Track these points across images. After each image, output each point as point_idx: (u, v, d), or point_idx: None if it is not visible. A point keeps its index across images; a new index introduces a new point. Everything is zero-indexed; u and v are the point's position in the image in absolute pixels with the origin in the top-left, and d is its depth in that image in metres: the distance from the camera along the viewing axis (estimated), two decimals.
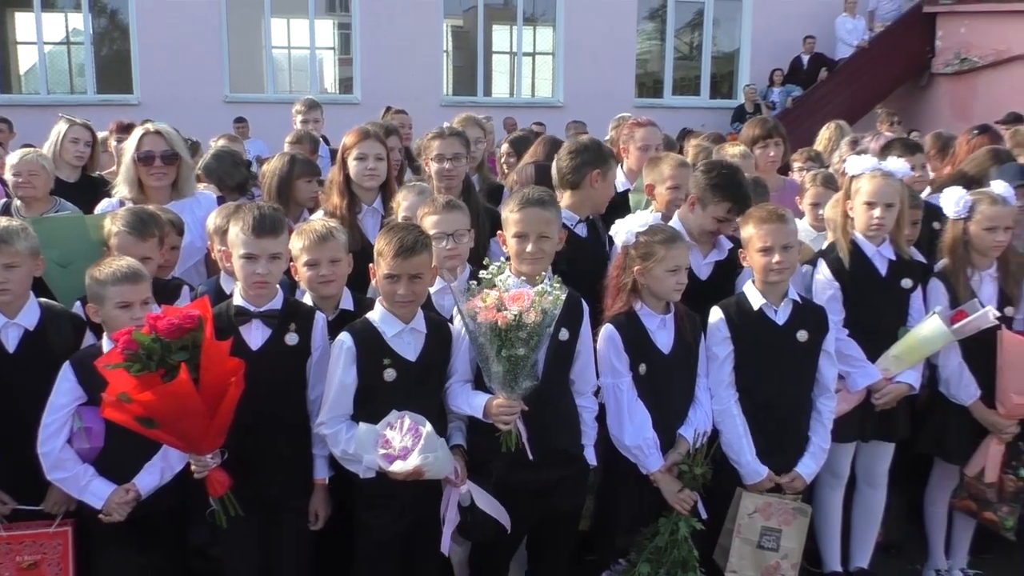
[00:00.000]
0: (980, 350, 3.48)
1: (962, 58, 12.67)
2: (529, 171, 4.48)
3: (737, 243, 3.47)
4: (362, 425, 2.67)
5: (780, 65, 13.84)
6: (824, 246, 3.70)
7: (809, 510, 3.26)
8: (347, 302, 3.11)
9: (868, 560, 3.75)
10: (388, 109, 6.18)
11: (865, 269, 3.49)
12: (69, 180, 4.92)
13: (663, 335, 3.13)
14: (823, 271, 3.50)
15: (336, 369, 2.77)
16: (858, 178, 3.47)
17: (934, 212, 3.94)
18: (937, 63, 13.17)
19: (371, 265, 2.86)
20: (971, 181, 4.18)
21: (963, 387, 3.54)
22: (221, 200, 4.01)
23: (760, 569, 3.20)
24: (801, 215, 4.20)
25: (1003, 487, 3.57)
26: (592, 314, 3.15)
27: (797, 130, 10.50)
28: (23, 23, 14.21)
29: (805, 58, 13.75)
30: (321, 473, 2.93)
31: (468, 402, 2.85)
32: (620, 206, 3.93)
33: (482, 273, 2.79)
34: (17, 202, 4.29)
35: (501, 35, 15.32)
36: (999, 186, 3.66)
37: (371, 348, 2.77)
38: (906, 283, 3.53)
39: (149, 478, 2.86)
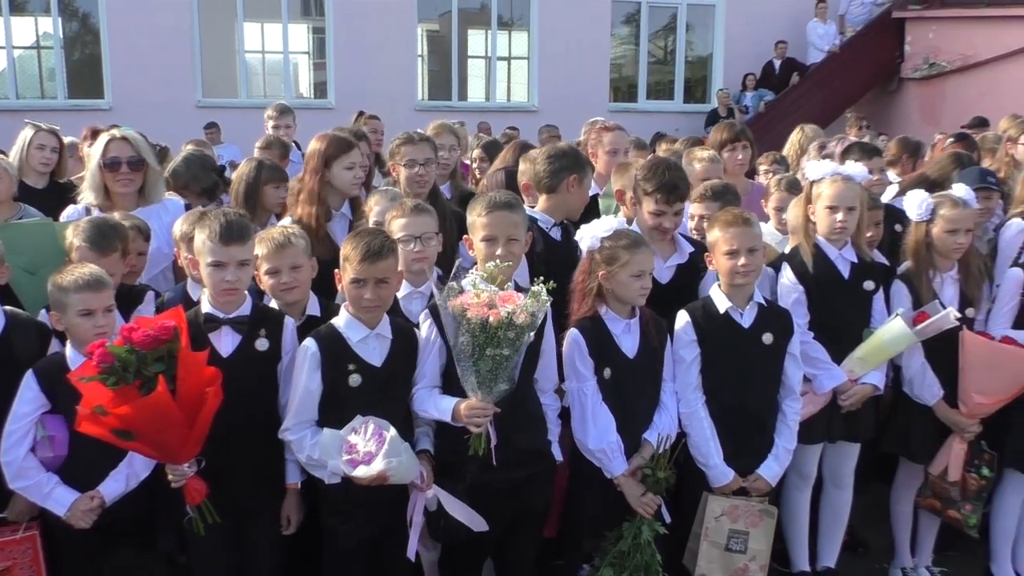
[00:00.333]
0: (942, 351, 3.54)
1: (930, 63, 12.87)
2: (499, 177, 4.50)
3: (699, 246, 3.50)
4: (326, 431, 2.67)
5: (753, 70, 13.99)
6: (787, 249, 3.74)
7: (775, 511, 3.29)
8: (314, 308, 3.11)
9: (835, 559, 3.79)
10: (361, 114, 6.17)
11: (828, 272, 3.53)
12: (37, 186, 4.86)
13: (628, 339, 3.15)
14: (787, 275, 3.54)
15: (300, 375, 2.77)
16: (818, 183, 3.52)
17: (898, 215, 4.00)
18: (906, 68, 13.37)
19: (337, 271, 2.86)
20: (933, 184, 4.25)
21: (926, 387, 3.59)
22: (189, 207, 3.98)
23: (729, 571, 3.23)
24: (767, 218, 4.25)
25: (966, 485, 3.62)
26: (559, 318, 3.17)
27: (769, 134, 10.64)
28: None
29: (777, 63, 13.90)
30: (293, 478, 2.93)
31: (436, 406, 2.85)
32: (589, 210, 3.96)
33: (469, 275, 2.78)
34: None
35: (477, 39, 15.33)
36: (960, 189, 3.72)
37: (336, 354, 2.77)
38: (868, 285, 3.59)
39: (114, 485, 2.85)
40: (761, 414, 3.31)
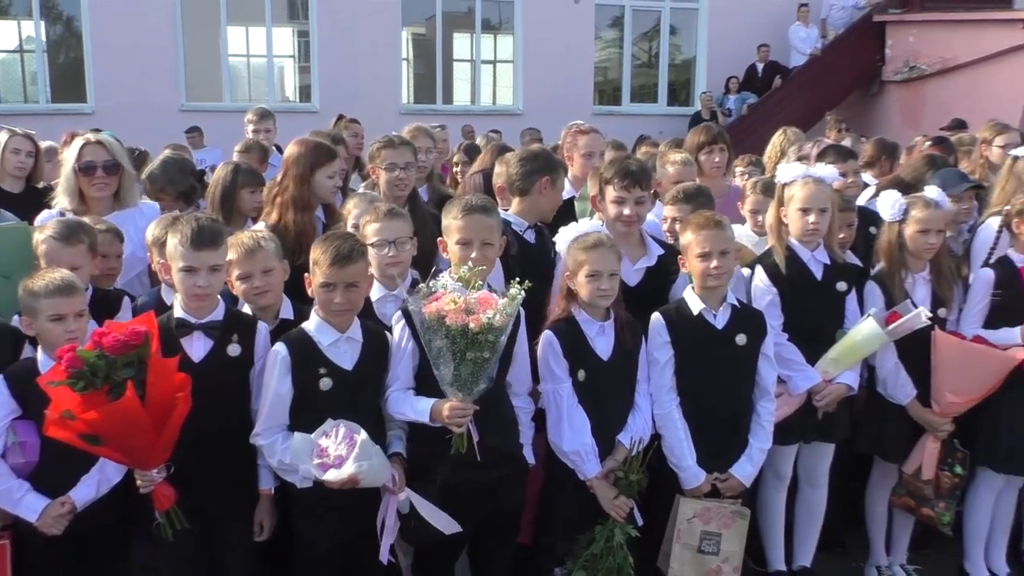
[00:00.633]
0: (915, 351, 3.58)
1: (911, 66, 12.98)
2: (477, 180, 4.52)
3: (669, 249, 3.52)
4: (297, 435, 2.68)
5: (736, 73, 14.08)
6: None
7: (748, 513, 3.30)
8: (287, 311, 3.11)
9: (811, 559, 3.81)
10: (340, 118, 6.18)
11: (801, 274, 3.56)
12: (13, 191, 4.85)
13: (602, 341, 3.16)
14: (760, 277, 3.56)
15: (271, 379, 2.77)
16: (790, 185, 3.55)
17: (873, 217, 4.04)
18: (887, 71, 13.48)
19: (306, 274, 2.87)
20: (907, 186, 4.29)
21: (899, 387, 3.63)
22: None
23: (701, 573, 3.24)
24: (744, 220, 4.28)
25: (939, 484, 3.66)
26: (535, 320, 3.18)
27: (752, 137, 10.69)
28: None
29: (760, 66, 13.99)
30: (266, 483, 2.92)
31: (413, 408, 2.85)
32: (565, 213, 3.98)
33: (442, 277, 2.79)
34: None
35: (463, 43, 15.35)
36: (932, 190, 3.76)
37: (306, 358, 2.78)
38: (841, 286, 3.61)
39: (85, 490, 2.83)
40: (735, 415, 3.32)
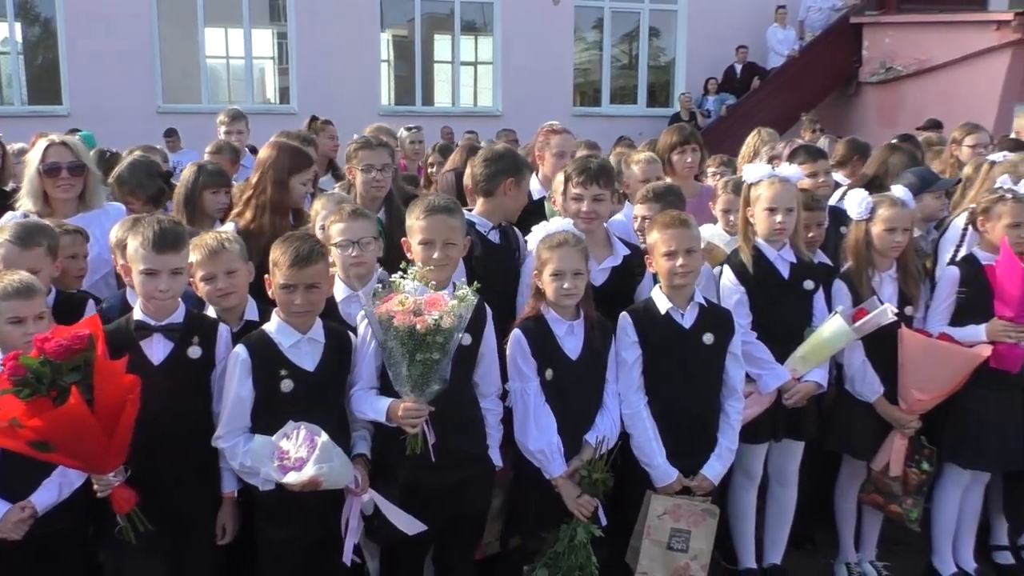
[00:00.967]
0: (883, 348, 3.59)
1: (887, 67, 13.10)
2: (448, 178, 4.51)
3: (635, 249, 3.52)
4: (257, 437, 2.66)
5: (714, 74, 14.15)
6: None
7: (717, 511, 3.30)
8: (252, 313, 3.08)
9: (781, 556, 3.82)
10: (314, 119, 6.14)
11: (768, 273, 3.57)
12: None
13: (571, 341, 3.16)
14: (728, 276, 3.57)
15: (232, 382, 2.75)
16: (756, 185, 3.56)
17: (843, 216, 4.05)
18: (864, 72, 13.59)
19: (267, 276, 2.85)
20: (873, 179, 4.34)
21: (867, 384, 3.65)
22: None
23: (670, 570, 3.23)
24: (715, 220, 4.29)
25: (907, 480, 3.68)
26: (503, 319, 3.17)
27: (731, 137, 10.73)
28: None
29: (738, 67, 14.07)
30: (229, 486, 2.89)
31: (372, 407, 2.84)
32: (536, 213, 3.98)
33: (394, 276, 2.78)
34: None
35: (444, 44, 15.34)
36: (899, 189, 3.79)
37: (267, 359, 2.76)
38: (808, 285, 3.63)
39: (46, 495, 2.79)
40: (703, 414, 3.32)
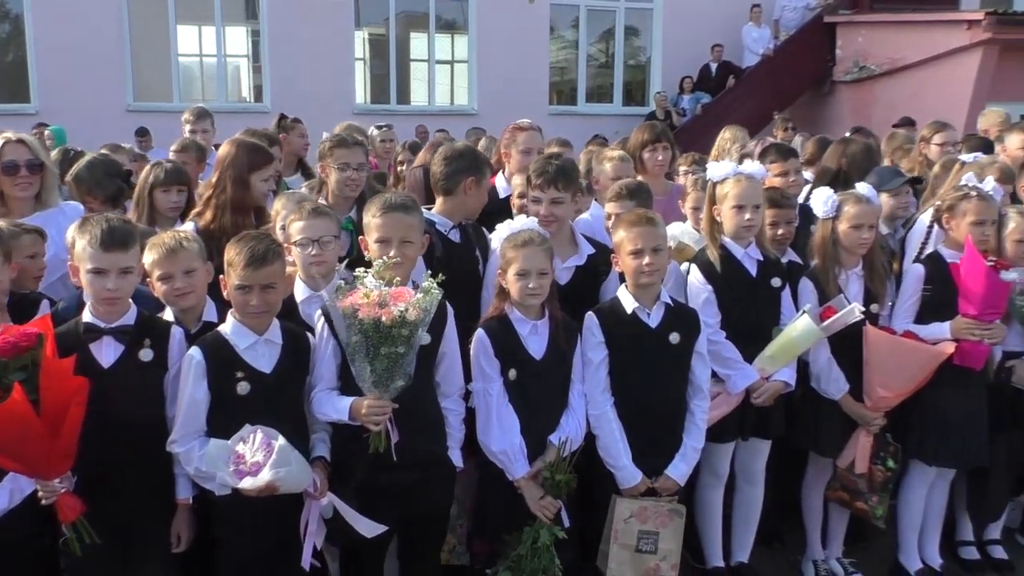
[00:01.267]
0: (848, 346, 3.60)
1: (860, 66, 13.17)
2: (417, 175, 4.45)
3: (600, 248, 3.49)
4: (212, 441, 2.61)
5: (690, 73, 14.16)
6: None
7: (684, 511, 3.29)
8: (210, 314, 3.02)
9: (748, 554, 3.82)
10: (283, 117, 6.07)
11: (736, 271, 3.56)
12: None
13: (535, 341, 3.13)
14: (695, 276, 3.56)
15: (186, 385, 2.70)
16: (722, 183, 3.55)
17: (813, 215, 4.04)
18: (838, 71, 13.66)
19: (222, 276, 2.79)
20: (837, 175, 4.36)
21: (832, 382, 3.65)
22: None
23: (639, 572, 3.22)
24: (685, 218, 4.28)
25: (873, 477, 3.68)
26: (465, 319, 3.14)
27: (706, 136, 10.74)
28: None
29: (713, 66, 14.09)
30: (184, 492, 2.83)
31: (334, 406, 2.80)
32: (503, 211, 3.94)
33: (358, 270, 2.74)
34: None
35: (421, 43, 15.26)
36: (863, 186, 3.79)
37: (222, 361, 2.70)
38: (776, 282, 3.62)
39: None
40: (670, 414, 3.30)
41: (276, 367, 2.77)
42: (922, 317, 3.72)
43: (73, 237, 3.07)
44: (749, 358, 3.55)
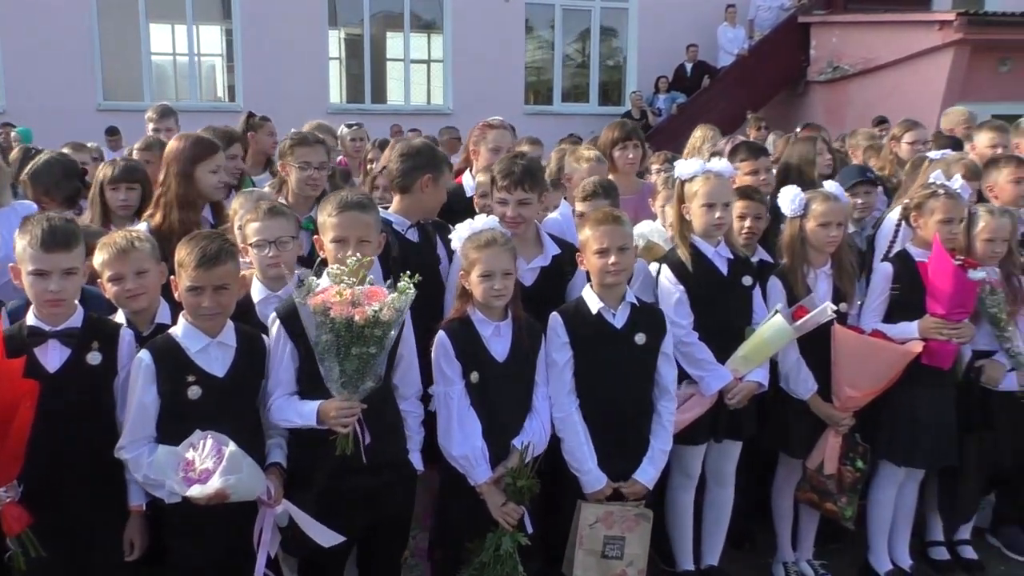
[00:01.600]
0: (817, 346, 3.56)
1: (834, 66, 13.24)
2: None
3: (566, 248, 3.44)
4: (161, 448, 2.52)
5: (665, 72, 14.17)
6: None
7: (651, 515, 3.23)
8: (164, 316, 2.93)
9: (718, 557, 3.78)
10: (250, 115, 5.96)
11: (707, 270, 3.51)
12: None
13: (498, 342, 3.06)
14: (667, 276, 3.50)
15: (135, 389, 2.61)
16: (691, 182, 3.50)
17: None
18: (812, 71, 13.73)
19: (173, 277, 2.71)
20: (789, 169, 4.36)
21: (801, 382, 3.61)
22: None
23: None
24: (656, 217, 4.24)
25: (842, 478, 3.65)
26: (424, 320, 3.06)
27: (682, 136, 10.70)
28: None
29: (689, 66, 14.12)
30: (136, 499, 2.73)
31: (299, 412, 2.71)
32: (470, 210, 3.87)
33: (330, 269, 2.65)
34: None
35: (398, 42, 15.17)
36: (831, 184, 3.77)
37: (173, 365, 2.62)
38: (747, 280, 3.58)
39: None
40: (636, 416, 3.25)
41: (230, 371, 2.68)
42: (891, 316, 3.69)
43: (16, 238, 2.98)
44: (721, 358, 3.50)
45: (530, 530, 2.98)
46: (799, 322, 3.51)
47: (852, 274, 3.72)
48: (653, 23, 14.32)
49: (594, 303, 3.18)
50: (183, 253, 2.64)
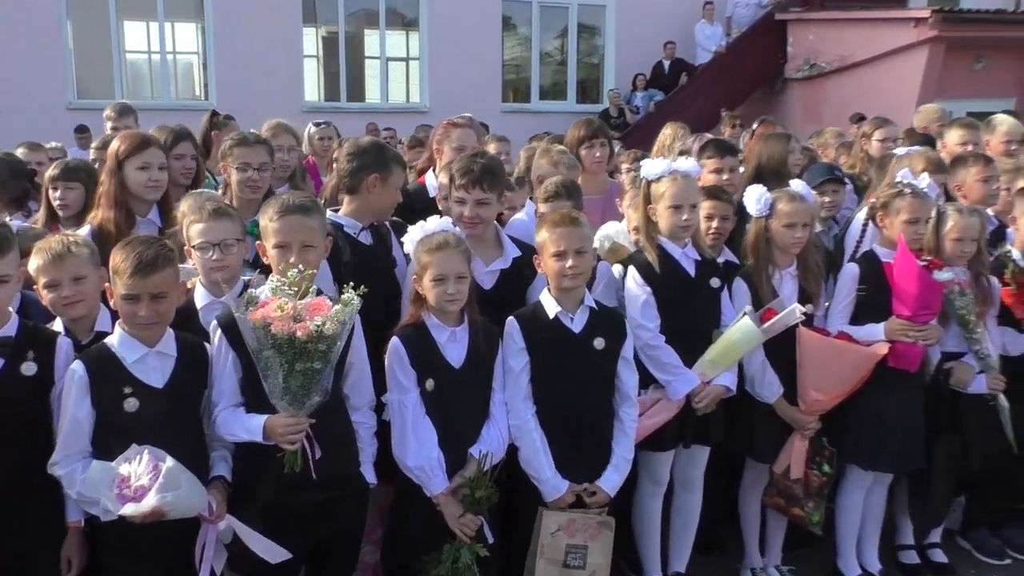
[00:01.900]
0: (782, 348, 3.50)
1: (811, 64, 13.23)
2: None
3: (527, 250, 3.35)
4: (95, 463, 2.41)
5: (643, 70, 14.12)
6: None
7: (613, 523, 3.15)
8: (104, 323, 2.82)
9: (685, 563, 3.71)
10: (215, 114, 5.84)
11: (674, 272, 3.44)
12: None
13: (454, 348, 2.98)
14: (634, 278, 3.42)
15: (68, 401, 2.50)
16: (657, 182, 3.43)
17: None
18: (789, 68, 13.71)
19: (107, 284, 2.60)
20: (766, 169, 4.29)
21: (766, 385, 3.56)
22: None
23: None
24: (623, 218, 4.16)
25: (808, 483, 3.59)
26: (379, 327, 2.97)
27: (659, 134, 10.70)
28: None
29: (666, 63, 14.06)
30: (74, 515, 2.62)
31: (245, 426, 2.61)
32: (433, 210, 3.77)
33: (270, 281, 2.55)
34: None
35: (376, 40, 15.03)
36: (797, 184, 3.71)
37: (108, 376, 2.51)
38: (714, 282, 3.52)
39: None
40: (596, 422, 3.17)
41: (169, 381, 2.57)
42: (857, 318, 3.64)
43: None
44: (689, 362, 3.43)
45: (490, 540, 2.90)
46: (767, 324, 3.45)
47: (818, 275, 3.67)
48: (631, 20, 14.25)
49: (551, 307, 3.10)
50: (118, 259, 2.52)
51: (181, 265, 2.90)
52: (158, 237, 2.76)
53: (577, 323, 3.11)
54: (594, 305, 3.16)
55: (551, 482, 3.05)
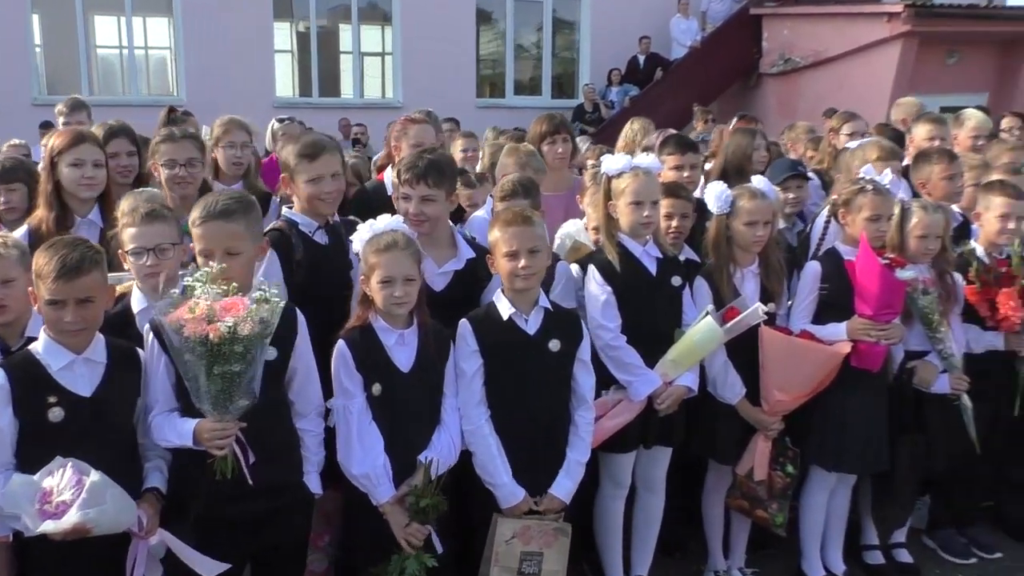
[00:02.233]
0: (744, 348, 3.44)
1: (786, 59, 13.21)
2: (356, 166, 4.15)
3: (481, 250, 3.26)
4: (16, 476, 2.29)
5: (618, 65, 14.05)
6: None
7: (570, 529, 3.07)
8: (36, 328, 2.68)
9: (648, 567, 3.64)
10: (171, 110, 5.68)
11: (635, 270, 3.36)
12: None
13: (402, 352, 2.88)
14: (594, 277, 3.34)
15: None
16: (618, 178, 3.35)
17: None
18: (764, 63, 13.69)
19: (31, 288, 2.48)
20: (734, 167, 4.22)
21: (728, 386, 3.49)
22: None
23: None
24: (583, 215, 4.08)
25: (772, 484, 3.54)
26: (336, 329, 2.87)
27: None
28: None
29: (641, 58, 14.01)
30: (2, 531, 2.50)
31: (176, 431, 2.51)
32: (389, 208, 3.67)
33: (186, 280, 2.45)
34: None
35: (352, 35, 14.87)
36: (759, 180, 3.64)
37: (31, 385, 2.38)
38: (676, 281, 3.45)
39: None
40: (552, 425, 3.08)
41: (98, 389, 2.45)
42: (820, 317, 3.58)
43: None
44: (650, 362, 3.36)
45: (440, 549, 2.81)
46: (729, 324, 3.39)
47: (780, 273, 3.61)
48: (606, 14, 14.17)
49: (505, 308, 3.01)
50: (41, 262, 2.40)
51: (118, 273, 2.79)
52: (84, 239, 2.62)
53: (532, 325, 3.02)
54: (549, 306, 3.07)
55: (507, 487, 2.97)
